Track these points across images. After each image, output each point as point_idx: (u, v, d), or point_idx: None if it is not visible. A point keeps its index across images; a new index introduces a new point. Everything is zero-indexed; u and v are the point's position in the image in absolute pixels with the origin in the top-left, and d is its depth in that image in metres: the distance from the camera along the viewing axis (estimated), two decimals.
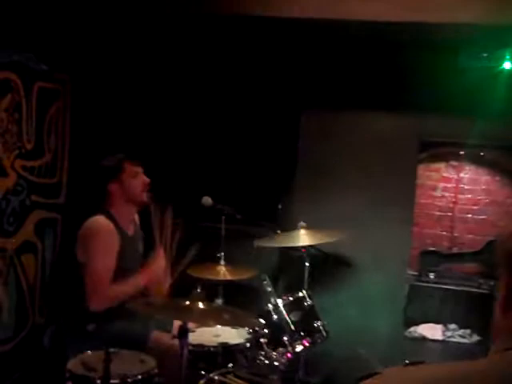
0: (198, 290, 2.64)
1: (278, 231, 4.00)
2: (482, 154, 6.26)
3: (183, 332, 2.57)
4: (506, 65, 4.16)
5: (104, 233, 3.15)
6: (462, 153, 6.35)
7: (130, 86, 4.57)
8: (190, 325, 2.64)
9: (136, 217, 3.43)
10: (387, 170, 4.58)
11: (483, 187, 6.50)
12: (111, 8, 3.91)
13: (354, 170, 4.62)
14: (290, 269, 4.40)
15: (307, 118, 4.72)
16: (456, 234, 6.56)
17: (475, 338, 5.64)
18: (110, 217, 3.22)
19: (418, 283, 5.97)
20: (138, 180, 3.28)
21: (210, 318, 2.69)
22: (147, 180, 3.31)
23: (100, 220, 3.18)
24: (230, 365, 2.89)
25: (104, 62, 4.37)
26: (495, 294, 5.07)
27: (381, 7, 3.61)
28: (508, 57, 4.14)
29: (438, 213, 6.59)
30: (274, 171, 4.69)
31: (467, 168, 6.53)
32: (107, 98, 4.42)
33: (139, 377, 2.52)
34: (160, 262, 3.28)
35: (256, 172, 4.71)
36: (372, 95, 4.60)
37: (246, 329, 3.19)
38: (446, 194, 6.57)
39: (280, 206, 4.71)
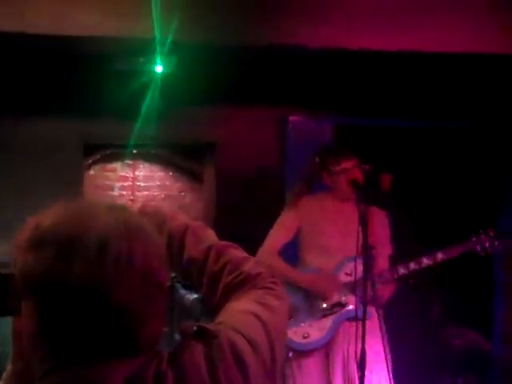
0: None
1: None
2: (153, 152, 6.53)
3: None
4: (158, 68, 4.40)
5: None
6: (135, 151, 6.53)
7: None
8: None
9: None
10: (49, 180, 4.44)
11: (158, 183, 6.79)
12: None
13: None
14: None
15: None
16: None
17: None
18: None
19: None
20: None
21: None
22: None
23: None
24: None
25: None
26: None
27: None
28: (159, 61, 4.37)
29: None
30: None
31: (141, 166, 6.74)
32: None
33: None
34: None
35: None
36: (30, 101, 4.44)
37: None
38: (124, 193, 6.70)
39: None
